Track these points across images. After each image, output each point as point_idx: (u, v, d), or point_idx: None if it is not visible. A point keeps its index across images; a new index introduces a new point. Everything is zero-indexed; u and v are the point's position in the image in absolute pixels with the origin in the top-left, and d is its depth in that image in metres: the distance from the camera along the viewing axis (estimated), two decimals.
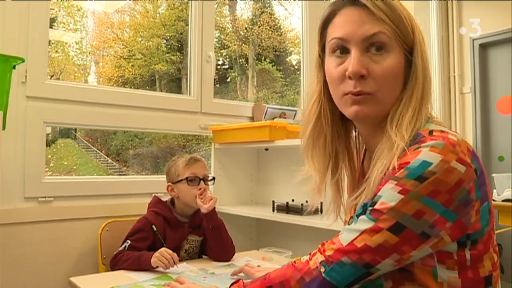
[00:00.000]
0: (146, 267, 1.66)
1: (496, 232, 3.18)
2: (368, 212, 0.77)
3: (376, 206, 0.76)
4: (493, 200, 2.95)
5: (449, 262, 0.78)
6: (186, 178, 1.86)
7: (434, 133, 0.79)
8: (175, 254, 1.66)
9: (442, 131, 0.80)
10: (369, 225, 0.76)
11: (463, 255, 0.78)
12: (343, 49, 0.86)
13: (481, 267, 0.80)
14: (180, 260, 1.84)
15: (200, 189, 1.85)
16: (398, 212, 0.73)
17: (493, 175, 3.06)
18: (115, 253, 1.77)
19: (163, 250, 1.66)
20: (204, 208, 1.81)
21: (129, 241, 1.79)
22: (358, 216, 0.80)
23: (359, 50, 0.83)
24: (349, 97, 0.85)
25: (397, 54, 0.84)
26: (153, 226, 1.81)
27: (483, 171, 0.80)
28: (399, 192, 0.73)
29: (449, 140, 0.76)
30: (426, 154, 0.73)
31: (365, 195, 0.83)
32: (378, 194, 0.77)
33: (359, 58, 0.83)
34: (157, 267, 1.64)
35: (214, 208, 1.86)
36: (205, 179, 1.90)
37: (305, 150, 0.98)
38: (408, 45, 0.85)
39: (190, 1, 2.66)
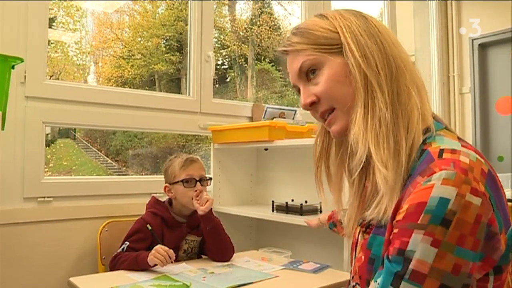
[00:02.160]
0: (143, 267, 1.66)
1: None
2: (407, 276, 0.69)
3: (414, 267, 0.69)
4: None
5: None
6: (182, 180, 1.86)
7: (444, 155, 0.73)
8: (170, 251, 1.65)
9: (453, 151, 0.74)
10: None
11: (485, 286, 0.73)
12: (298, 90, 0.93)
13: None
14: (179, 260, 1.84)
15: (196, 190, 1.85)
16: (439, 271, 0.68)
17: None
18: (113, 255, 1.77)
19: (158, 247, 1.66)
20: (201, 210, 1.81)
21: (127, 243, 1.79)
22: (390, 274, 0.72)
23: (302, 84, 0.90)
24: (323, 123, 0.91)
25: (332, 63, 0.85)
26: (148, 226, 1.81)
27: (498, 191, 0.74)
28: (431, 245, 0.68)
29: (460, 166, 0.71)
30: (441, 190, 0.69)
31: (374, 216, 0.81)
32: (408, 248, 0.70)
33: (303, 90, 0.90)
34: (155, 265, 1.64)
35: (211, 209, 1.85)
36: (201, 180, 1.90)
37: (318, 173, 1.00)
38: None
39: (189, 1, 2.66)
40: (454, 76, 4.18)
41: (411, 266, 0.69)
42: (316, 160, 1.00)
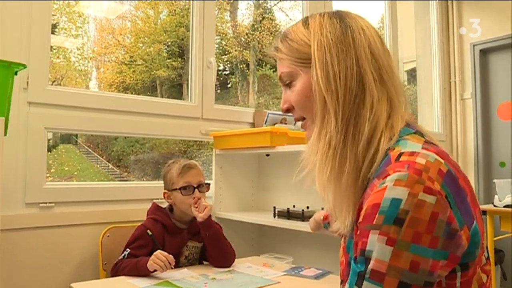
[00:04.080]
0: (144, 272, 1.66)
1: (498, 238, 3.18)
2: (368, 275, 0.71)
3: (373, 266, 0.71)
4: (495, 206, 2.94)
5: None
6: (180, 188, 1.86)
7: (401, 158, 0.75)
8: (170, 256, 1.65)
9: (412, 154, 0.75)
10: None
11: (453, 284, 0.75)
12: None
13: None
14: (181, 266, 1.84)
15: (194, 198, 1.84)
16: (397, 269, 0.69)
17: (494, 180, 3.06)
18: (115, 262, 1.77)
19: (158, 252, 1.66)
20: (199, 217, 1.81)
21: (128, 250, 1.79)
22: (358, 274, 0.74)
23: (283, 89, 0.95)
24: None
25: (303, 78, 0.89)
26: (148, 231, 1.81)
27: (458, 190, 0.75)
28: (387, 244, 0.70)
29: (415, 167, 0.72)
30: (393, 191, 0.71)
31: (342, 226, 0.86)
32: (367, 248, 0.72)
33: (282, 96, 0.95)
34: (155, 271, 1.64)
35: (210, 215, 1.85)
36: (199, 187, 1.89)
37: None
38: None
39: (191, 7, 2.67)
40: (455, 81, 4.19)
41: (370, 266, 0.71)
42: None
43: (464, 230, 0.73)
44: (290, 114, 0.96)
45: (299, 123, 0.99)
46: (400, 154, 0.76)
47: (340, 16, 0.88)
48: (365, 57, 0.84)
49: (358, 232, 0.75)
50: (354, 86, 0.83)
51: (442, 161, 0.75)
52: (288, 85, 0.93)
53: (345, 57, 0.83)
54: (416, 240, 0.69)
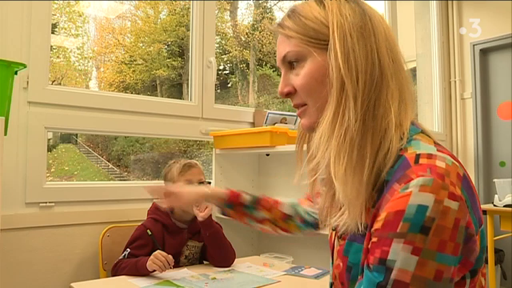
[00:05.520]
0: (143, 272, 1.66)
1: (498, 238, 3.18)
2: (389, 286, 0.68)
3: (396, 276, 0.68)
4: (495, 206, 2.94)
5: None
6: None
7: (420, 161, 0.72)
8: (169, 256, 1.65)
9: (429, 156, 0.73)
10: None
11: None
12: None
13: None
14: (181, 266, 1.84)
15: None
16: (421, 279, 0.67)
17: (495, 180, 3.06)
18: (115, 262, 1.77)
19: (157, 252, 1.66)
20: (200, 216, 1.81)
21: (128, 250, 1.79)
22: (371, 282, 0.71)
23: (284, 71, 0.88)
24: (297, 112, 0.90)
25: (315, 59, 0.81)
26: (148, 231, 1.81)
27: (473, 194, 0.73)
28: (412, 253, 0.67)
29: (437, 171, 0.69)
30: (418, 197, 0.67)
31: (338, 224, 0.80)
32: (389, 258, 0.68)
33: (282, 78, 0.88)
34: (154, 271, 1.64)
35: (211, 215, 1.85)
36: (200, 185, 1.90)
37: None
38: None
39: (191, 7, 2.67)
40: (455, 81, 4.18)
41: (392, 276, 0.68)
42: (298, 138, 1.02)
43: (478, 235, 0.72)
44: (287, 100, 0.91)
45: (299, 123, 0.95)
46: (418, 156, 0.73)
47: (357, 2, 0.83)
48: (384, 47, 0.80)
49: (375, 240, 0.71)
50: (375, 74, 0.77)
51: (458, 164, 0.74)
52: (292, 66, 0.85)
53: (366, 43, 0.78)
54: (441, 248, 0.67)
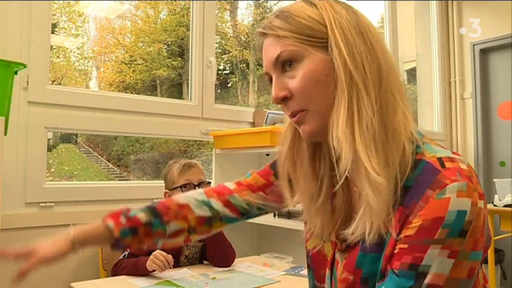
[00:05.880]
0: (143, 272, 1.66)
1: (498, 238, 3.17)
2: None
3: (430, 281, 0.67)
4: (495, 205, 2.94)
5: None
6: (181, 186, 1.86)
7: (446, 165, 0.71)
8: (169, 256, 1.65)
9: (451, 160, 0.72)
10: None
11: (477, 281, 0.76)
12: (270, 78, 0.84)
13: (478, 285, 0.77)
14: (181, 266, 1.84)
15: None
16: (455, 280, 0.67)
17: (495, 180, 3.06)
18: (115, 262, 1.77)
19: (157, 252, 1.66)
20: None
21: (128, 249, 1.79)
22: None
23: (276, 75, 0.81)
24: (292, 119, 0.82)
25: (313, 57, 0.76)
26: None
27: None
28: (449, 257, 0.67)
29: (465, 173, 0.69)
30: (458, 202, 0.67)
31: (359, 233, 0.74)
32: (423, 263, 0.67)
33: (276, 82, 0.81)
34: (154, 270, 1.64)
35: None
36: (200, 185, 1.90)
37: (284, 172, 0.90)
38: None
39: (191, 6, 2.67)
40: (455, 81, 4.19)
41: (426, 281, 0.67)
42: (283, 160, 0.91)
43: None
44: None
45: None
46: (441, 160, 0.72)
47: (345, 5, 0.80)
48: (379, 44, 0.77)
49: (405, 246, 0.69)
50: (381, 69, 0.75)
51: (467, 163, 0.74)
52: (285, 69, 0.79)
53: (365, 40, 0.76)
54: (475, 247, 0.67)
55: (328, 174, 0.85)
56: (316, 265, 0.93)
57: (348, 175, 0.75)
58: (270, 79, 0.83)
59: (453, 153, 0.74)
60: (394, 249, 0.71)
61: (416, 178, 0.71)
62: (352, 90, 0.72)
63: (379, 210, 0.70)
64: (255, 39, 0.86)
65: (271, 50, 0.80)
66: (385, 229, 0.72)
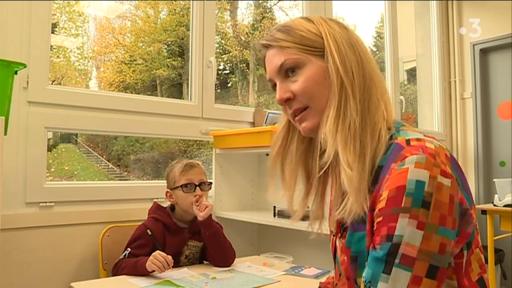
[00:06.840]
0: (143, 272, 1.66)
1: (498, 238, 3.17)
2: (397, 261, 0.71)
3: (404, 251, 0.71)
4: (495, 205, 2.94)
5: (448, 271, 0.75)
6: (182, 185, 1.87)
7: (411, 143, 0.79)
8: (169, 257, 1.65)
9: (418, 140, 0.80)
10: (407, 278, 0.70)
11: (460, 263, 0.77)
12: (274, 85, 0.96)
13: (471, 271, 0.79)
14: (181, 266, 1.84)
15: (196, 195, 1.85)
16: (427, 253, 0.70)
17: (495, 180, 3.06)
18: (115, 262, 1.77)
19: (156, 253, 1.66)
20: (200, 216, 1.82)
21: (129, 249, 1.79)
22: (377, 259, 0.74)
23: (279, 80, 0.93)
24: (293, 119, 0.95)
25: (313, 64, 0.89)
26: (148, 231, 1.81)
27: (462, 173, 0.81)
28: (417, 228, 0.71)
29: (428, 151, 0.76)
30: (415, 173, 0.73)
31: (343, 215, 0.83)
32: (396, 233, 0.72)
33: (280, 86, 0.93)
34: (153, 271, 1.64)
35: (210, 215, 1.85)
36: (201, 185, 1.90)
37: (273, 167, 1.06)
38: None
39: (191, 6, 2.67)
40: (455, 81, 4.19)
41: (400, 250, 0.72)
42: (274, 156, 1.06)
43: (473, 209, 0.79)
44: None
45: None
46: (408, 140, 0.81)
47: (337, 21, 0.95)
48: (365, 55, 0.91)
49: (380, 219, 0.75)
50: (366, 76, 0.88)
51: (444, 146, 0.80)
52: (287, 75, 0.92)
53: (354, 51, 0.89)
54: (442, 222, 0.71)
55: (317, 168, 0.97)
56: (333, 254, 1.02)
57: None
58: (273, 86, 0.97)
59: (429, 137, 0.82)
60: (373, 226, 0.78)
61: (386, 159, 0.81)
62: (342, 93, 0.86)
63: (354, 194, 0.80)
64: (258, 52, 1.00)
65: (276, 59, 0.93)
66: (364, 209, 0.81)
